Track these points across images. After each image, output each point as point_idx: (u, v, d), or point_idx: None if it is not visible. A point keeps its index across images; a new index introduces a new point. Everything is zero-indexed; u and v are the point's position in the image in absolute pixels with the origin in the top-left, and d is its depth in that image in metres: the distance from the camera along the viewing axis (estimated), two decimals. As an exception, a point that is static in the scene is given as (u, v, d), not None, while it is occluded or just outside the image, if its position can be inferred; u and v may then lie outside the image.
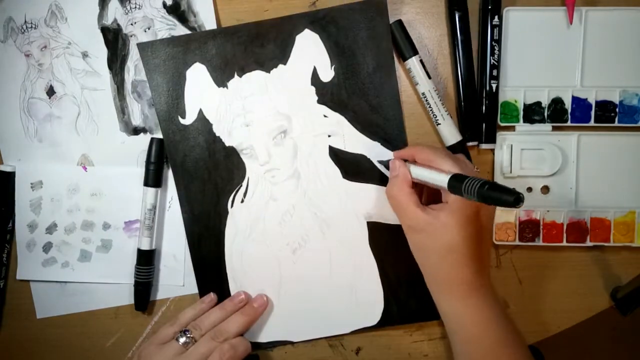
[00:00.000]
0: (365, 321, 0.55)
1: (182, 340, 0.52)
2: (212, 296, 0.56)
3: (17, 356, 0.59)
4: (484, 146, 0.54)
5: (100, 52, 0.56)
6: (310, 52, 0.54)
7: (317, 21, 0.53)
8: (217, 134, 0.55)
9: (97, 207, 0.57)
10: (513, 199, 0.36)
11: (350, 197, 0.55)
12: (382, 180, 0.54)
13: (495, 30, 0.52)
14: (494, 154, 0.54)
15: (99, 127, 0.56)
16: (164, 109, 0.55)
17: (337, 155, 0.55)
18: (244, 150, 0.55)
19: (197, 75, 0.54)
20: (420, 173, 0.47)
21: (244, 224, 0.56)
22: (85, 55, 0.56)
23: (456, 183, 0.42)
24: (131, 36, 0.55)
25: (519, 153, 0.54)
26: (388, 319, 0.55)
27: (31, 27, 0.56)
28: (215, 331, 0.53)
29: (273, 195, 0.55)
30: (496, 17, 0.52)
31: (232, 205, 0.56)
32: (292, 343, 0.57)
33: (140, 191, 0.55)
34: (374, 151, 0.54)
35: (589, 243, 0.54)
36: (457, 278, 0.47)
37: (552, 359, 0.58)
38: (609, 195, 0.54)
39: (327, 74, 0.54)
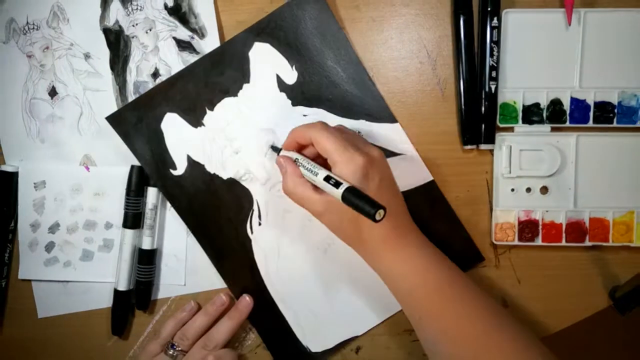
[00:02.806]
0: None
1: (170, 353, 0.53)
2: (192, 304, 0.56)
3: (18, 356, 0.60)
4: (483, 147, 0.54)
5: (102, 53, 0.56)
6: (267, 62, 0.54)
7: (262, 31, 0.54)
8: (211, 172, 0.55)
9: (99, 206, 0.57)
10: (374, 211, 0.39)
11: None
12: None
13: (495, 32, 0.52)
14: (492, 154, 0.55)
15: (101, 128, 0.57)
16: (154, 169, 0.55)
17: None
18: (243, 177, 0.55)
19: (172, 125, 0.55)
20: (304, 171, 0.47)
21: (270, 245, 0.56)
22: (87, 56, 0.56)
23: (327, 184, 0.44)
24: (133, 37, 0.56)
25: (517, 154, 0.54)
26: None
27: (33, 28, 0.56)
28: (204, 339, 0.54)
29: (286, 208, 0.55)
30: (495, 18, 0.52)
31: (252, 232, 0.56)
32: (357, 337, 0.56)
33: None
34: (363, 129, 0.54)
35: (588, 243, 0.54)
36: (377, 237, 0.46)
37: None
38: (608, 196, 0.54)
39: (290, 76, 0.54)
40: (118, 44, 0.56)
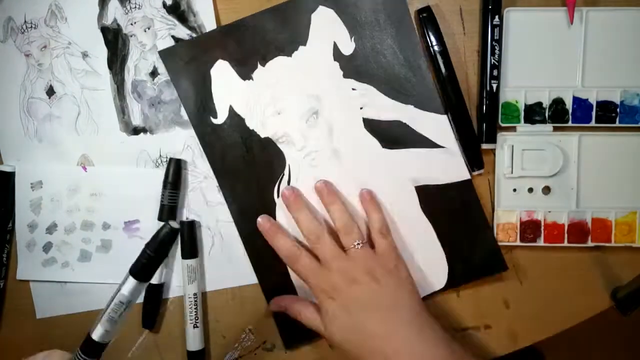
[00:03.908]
0: (432, 286, 0.55)
1: None
2: None
3: (17, 356, 0.59)
4: (484, 146, 0.54)
5: (100, 52, 0.56)
6: (328, 29, 0.53)
7: None
8: (250, 128, 0.55)
9: (96, 207, 0.57)
10: None
11: (393, 165, 0.54)
12: (422, 143, 0.53)
13: (496, 31, 0.52)
14: (494, 154, 0.54)
15: (99, 127, 0.56)
16: (194, 112, 0.55)
17: (372, 126, 0.54)
18: (280, 139, 0.55)
19: (222, 72, 0.54)
20: None
21: None
22: (85, 55, 0.56)
23: None
24: (131, 36, 0.55)
25: (520, 153, 0.54)
26: (454, 280, 0.55)
27: (31, 27, 0.56)
28: None
29: (317, 178, 0.54)
30: (497, 17, 0.52)
31: (278, 196, 0.55)
32: None
33: (139, 191, 0.56)
34: (408, 115, 0.53)
35: (590, 243, 0.54)
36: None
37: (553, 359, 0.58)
38: (610, 196, 0.54)
39: (348, 47, 0.54)
40: (116, 43, 0.55)
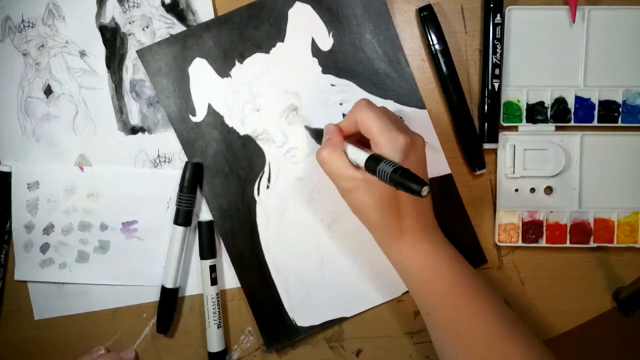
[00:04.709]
0: None
1: None
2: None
3: (15, 357, 0.59)
4: (486, 146, 0.53)
5: (98, 51, 0.55)
6: (305, 25, 0.53)
7: None
8: (230, 125, 0.54)
9: (94, 207, 0.56)
10: (420, 188, 0.38)
11: None
12: None
13: (498, 29, 0.52)
14: (496, 154, 0.54)
15: (97, 127, 0.56)
16: (174, 110, 0.54)
17: None
18: (260, 136, 0.54)
19: (200, 70, 0.54)
20: (348, 148, 0.47)
21: (274, 210, 0.55)
22: (83, 54, 0.55)
23: (372, 164, 0.42)
24: (129, 35, 0.55)
25: (522, 153, 0.53)
26: None
27: (28, 26, 0.55)
28: None
29: (297, 174, 0.55)
30: (498, 15, 0.52)
31: (258, 194, 0.55)
32: (345, 319, 0.56)
33: (137, 191, 0.55)
34: (389, 110, 0.53)
35: (592, 244, 0.54)
36: (401, 226, 0.46)
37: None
38: (612, 196, 0.54)
39: (326, 43, 0.53)
40: (114, 42, 0.55)
